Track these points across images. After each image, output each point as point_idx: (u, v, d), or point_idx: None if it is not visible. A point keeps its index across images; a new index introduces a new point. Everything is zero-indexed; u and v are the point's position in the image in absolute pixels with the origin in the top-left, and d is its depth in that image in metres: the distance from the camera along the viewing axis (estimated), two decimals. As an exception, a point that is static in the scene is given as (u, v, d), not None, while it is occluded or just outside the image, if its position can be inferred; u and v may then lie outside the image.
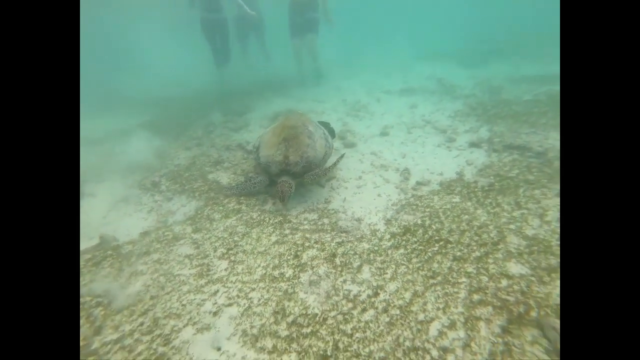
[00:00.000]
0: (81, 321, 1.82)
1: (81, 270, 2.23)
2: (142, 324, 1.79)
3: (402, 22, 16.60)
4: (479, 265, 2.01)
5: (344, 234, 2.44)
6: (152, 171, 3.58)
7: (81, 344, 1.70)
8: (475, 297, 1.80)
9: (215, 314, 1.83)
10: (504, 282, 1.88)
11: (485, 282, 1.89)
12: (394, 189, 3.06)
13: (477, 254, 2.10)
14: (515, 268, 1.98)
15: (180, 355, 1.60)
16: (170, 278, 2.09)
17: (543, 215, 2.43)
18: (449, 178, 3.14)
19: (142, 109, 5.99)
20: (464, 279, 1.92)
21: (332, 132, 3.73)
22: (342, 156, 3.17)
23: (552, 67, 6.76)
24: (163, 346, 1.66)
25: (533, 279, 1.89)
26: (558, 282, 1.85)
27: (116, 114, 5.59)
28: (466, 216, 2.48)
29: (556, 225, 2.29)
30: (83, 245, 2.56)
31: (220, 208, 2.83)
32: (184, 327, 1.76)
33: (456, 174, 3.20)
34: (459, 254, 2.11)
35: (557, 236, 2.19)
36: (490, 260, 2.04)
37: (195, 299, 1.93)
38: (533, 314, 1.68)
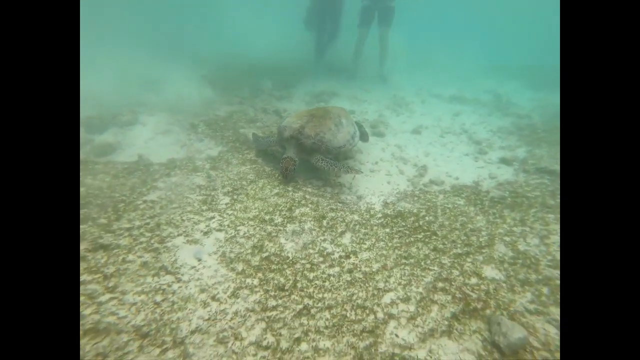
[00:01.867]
0: (108, 210, 2.21)
1: (116, 173, 2.65)
2: (148, 223, 2.12)
3: (476, 29, 15.44)
4: (456, 261, 2.03)
5: (340, 204, 2.57)
6: (194, 115, 3.99)
7: (103, 222, 2.08)
8: (440, 284, 1.84)
9: (205, 233, 2.10)
10: (473, 280, 1.89)
11: (455, 275, 1.92)
12: (405, 181, 3.10)
13: (459, 251, 2.11)
14: (490, 272, 1.97)
15: (168, 254, 1.90)
16: (180, 198, 2.42)
17: (546, 237, 2.32)
18: (463, 183, 3.08)
19: (209, 64, 6.54)
20: (435, 268, 1.96)
21: (364, 135, 3.57)
22: (358, 171, 2.83)
23: None
24: (158, 243, 1.97)
25: (504, 285, 1.87)
26: (528, 295, 1.82)
27: (186, 65, 6.20)
28: (463, 218, 2.47)
29: (555, 250, 2.19)
30: (125, 159, 3.02)
31: (240, 156, 3.12)
32: (177, 235, 2.05)
33: (472, 182, 3.13)
34: (440, 246, 2.14)
35: (551, 258, 2.11)
36: (468, 260, 2.04)
37: (193, 218, 2.22)
38: (488, 311, 1.69)
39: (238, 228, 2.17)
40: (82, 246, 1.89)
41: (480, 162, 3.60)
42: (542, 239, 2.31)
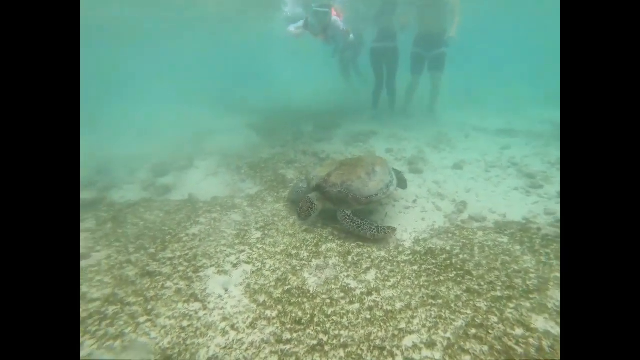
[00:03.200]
0: (157, 241, 2.52)
1: (169, 210, 3.03)
2: (187, 254, 2.35)
3: (525, 58, 14.52)
4: (494, 305, 1.80)
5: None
6: (240, 158, 4.43)
7: (152, 252, 2.36)
8: (473, 330, 1.64)
9: (235, 265, 2.23)
10: (518, 331, 1.64)
11: (493, 322, 1.69)
12: (442, 217, 2.93)
13: (498, 294, 1.88)
14: (542, 323, 1.69)
15: (200, 282, 2.05)
16: (217, 231, 2.64)
17: (615, 283, 1.94)
18: (510, 220, 2.80)
19: (258, 114, 7.35)
20: (468, 311, 1.77)
21: (402, 181, 3.28)
22: (390, 230, 2.49)
23: None
24: (192, 273, 2.15)
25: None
26: None
27: (235, 115, 7.08)
28: (506, 257, 2.21)
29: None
30: (178, 198, 3.44)
31: (275, 194, 3.32)
32: (210, 266, 2.22)
33: (522, 219, 2.82)
34: (475, 287, 1.94)
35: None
36: (511, 305, 1.80)
37: (226, 251, 2.39)
38: (536, 370, 1.43)
39: (265, 261, 2.26)
40: (133, 272, 2.16)
41: (534, 197, 3.25)
42: (609, 284, 1.94)
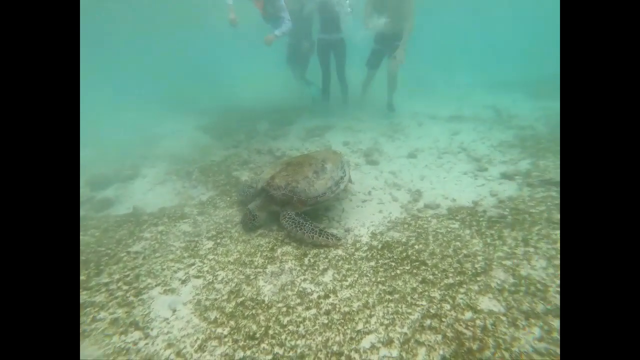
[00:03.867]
0: (90, 265, 2.24)
1: (107, 227, 2.73)
2: (127, 275, 2.12)
3: (465, 46, 15.46)
4: (447, 292, 1.84)
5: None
6: (191, 163, 4.14)
7: (82, 279, 2.09)
8: (428, 322, 1.66)
9: (183, 281, 2.05)
10: (467, 315, 1.69)
11: (446, 309, 1.73)
12: (399, 208, 2.97)
13: (450, 281, 1.92)
14: (487, 303, 1.76)
15: (142, 307, 1.86)
16: (164, 246, 2.42)
17: (553, 257, 2.09)
18: (460, 205, 2.91)
19: (209, 114, 6.94)
20: (423, 302, 1.78)
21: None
22: (332, 238, 2.34)
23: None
24: (134, 297, 1.94)
25: (504, 319, 1.65)
26: (535, 330, 1.58)
27: (184, 115, 6.63)
28: (457, 243, 2.28)
29: (563, 271, 1.95)
30: (121, 212, 3.12)
31: (227, 199, 3.14)
32: (155, 285, 2.02)
33: (471, 202, 2.94)
34: (430, 277, 1.96)
35: (560, 282, 1.86)
36: (461, 290, 1.85)
37: (174, 267, 2.19)
38: (487, 352, 1.47)
39: (217, 273, 2.11)
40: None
41: (480, 180, 3.42)
42: (549, 260, 2.08)
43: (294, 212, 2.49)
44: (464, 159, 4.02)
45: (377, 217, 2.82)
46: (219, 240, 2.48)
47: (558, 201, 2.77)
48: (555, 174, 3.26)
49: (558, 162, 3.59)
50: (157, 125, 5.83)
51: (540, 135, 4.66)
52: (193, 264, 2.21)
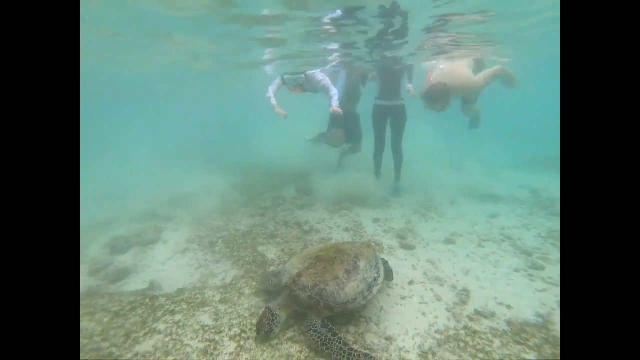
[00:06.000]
0: (93, 364, 1.93)
1: (118, 310, 2.45)
2: (132, 388, 1.77)
3: (495, 122, 15.79)
4: None
5: (365, 352, 2.08)
6: (215, 231, 3.97)
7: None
8: None
9: (197, 405, 1.68)
10: None
11: None
12: (444, 311, 2.57)
13: None
14: None
15: None
16: (178, 346, 2.09)
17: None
18: (522, 318, 2.48)
19: (234, 172, 7.03)
20: None
21: (389, 273, 2.87)
22: (361, 356, 1.97)
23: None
24: None
25: None
26: None
27: (213, 174, 6.71)
28: (534, 382, 1.84)
29: None
30: (136, 287, 2.87)
31: (253, 284, 2.85)
32: (163, 409, 1.66)
33: (536, 315, 2.51)
34: None
35: None
36: None
37: (187, 379, 1.84)
38: None
39: (238, 396, 1.74)
40: None
41: (539, 283, 2.98)
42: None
43: (320, 321, 2.16)
44: (510, 251, 3.65)
45: (421, 323, 2.42)
46: (242, 343, 2.14)
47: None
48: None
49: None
50: (187, 183, 5.87)
51: (591, 227, 4.27)
52: (211, 378, 1.85)
